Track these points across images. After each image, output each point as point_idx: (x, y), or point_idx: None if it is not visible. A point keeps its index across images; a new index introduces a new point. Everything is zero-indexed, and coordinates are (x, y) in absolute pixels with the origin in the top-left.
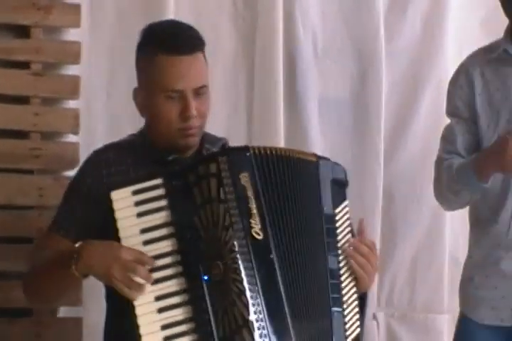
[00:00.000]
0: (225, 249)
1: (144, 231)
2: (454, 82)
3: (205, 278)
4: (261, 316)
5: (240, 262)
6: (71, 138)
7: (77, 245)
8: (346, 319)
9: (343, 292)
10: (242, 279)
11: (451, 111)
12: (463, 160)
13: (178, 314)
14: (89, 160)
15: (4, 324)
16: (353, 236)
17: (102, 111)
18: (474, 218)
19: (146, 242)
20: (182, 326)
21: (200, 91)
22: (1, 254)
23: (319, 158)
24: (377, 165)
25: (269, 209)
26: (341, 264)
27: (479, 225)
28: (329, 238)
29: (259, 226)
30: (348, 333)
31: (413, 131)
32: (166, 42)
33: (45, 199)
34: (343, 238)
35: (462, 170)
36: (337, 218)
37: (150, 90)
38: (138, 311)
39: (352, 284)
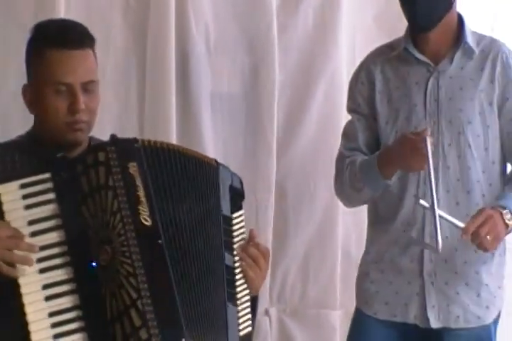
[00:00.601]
0: (113, 234)
1: (31, 223)
2: (355, 78)
3: (93, 264)
4: (148, 297)
5: (128, 245)
6: None
7: None
8: (239, 314)
9: (237, 289)
10: (130, 262)
11: (352, 108)
12: (365, 158)
13: (65, 302)
14: None
15: None
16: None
17: None
18: (373, 215)
19: (34, 234)
20: (70, 313)
21: (88, 87)
22: None
23: (219, 164)
24: (269, 160)
25: (158, 198)
26: (236, 264)
27: (378, 222)
28: (226, 237)
29: (148, 213)
30: (240, 327)
31: (306, 126)
32: (56, 37)
33: None
34: (239, 241)
35: (365, 167)
36: (234, 222)
37: (39, 85)
38: (25, 300)
39: (245, 284)
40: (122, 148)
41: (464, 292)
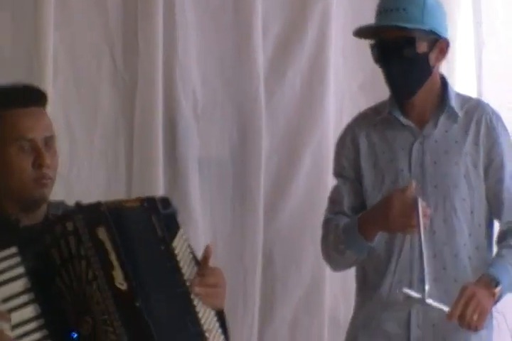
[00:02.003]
0: (91, 303)
1: (4, 301)
2: (340, 142)
3: (74, 335)
4: None
5: (108, 313)
6: None
7: None
8: None
9: (202, 321)
10: (112, 330)
11: (337, 172)
12: (348, 220)
13: None
14: None
15: None
16: (196, 262)
17: None
18: (361, 280)
19: (8, 311)
20: None
21: (49, 142)
22: None
23: (143, 201)
24: (257, 227)
25: (128, 260)
26: (192, 295)
27: (366, 286)
28: (176, 275)
29: (122, 276)
30: None
31: (293, 192)
32: (12, 98)
33: None
34: (188, 267)
35: (347, 229)
36: (177, 250)
37: (0, 146)
38: None
39: (208, 311)
40: (88, 214)
41: None
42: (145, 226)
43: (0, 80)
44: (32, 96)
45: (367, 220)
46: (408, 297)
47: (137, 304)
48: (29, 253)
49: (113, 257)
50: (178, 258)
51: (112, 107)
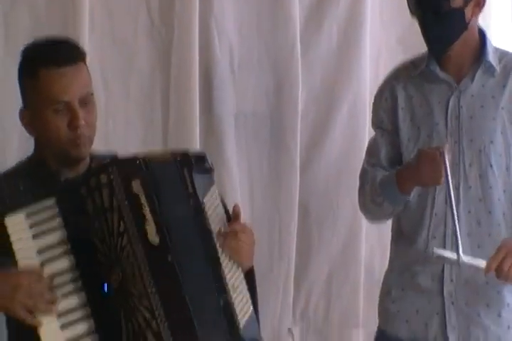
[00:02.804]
0: (121, 256)
1: (40, 251)
2: (379, 94)
3: (106, 287)
4: (162, 316)
5: (137, 266)
6: None
7: None
8: (236, 302)
9: (228, 276)
10: (141, 282)
11: (375, 124)
12: (386, 173)
13: (81, 328)
14: None
15: None
16: (228, 218)
17: None
18: (397, 232)
19: (43, 262)
20: (86, 339)
21: (86, 100)
22: None
23: (175, 155)
24: (293, 178)
25: (162, 214)
26: (219, 251)
27: (401, 239)
28: (203, 231)
29: (154, 230)
30: (240, 316)
31: (329, 145)
32: (45, 57)
33: None
34: (217, 223)
35: (385, 183)
36: (207, 206)
37: (36, 107)
38: (41, 332)
39: (235, 268)
40: (123, 167)
41: (484, 313)
42: (175, 181)
43: (39, 33)
44: (66, 56)
45: (403, 174)
46: (442, 257)
47: (169, 259)
48: (66, 205)
49: (147, 211)
50: (208, 214)
51: (149, 61)
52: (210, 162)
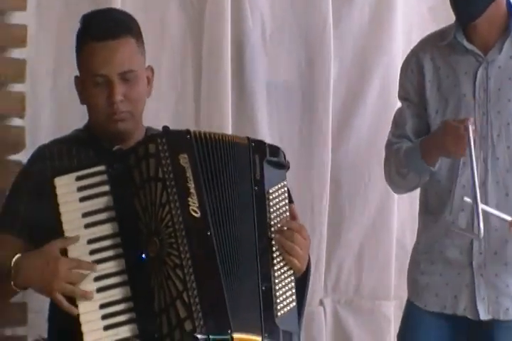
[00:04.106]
0: (161, 225)
1: (85, 215)
2: (405, 66)
3: (143, 255)
4: (194, 289)
5: (175, 237)
6: (16, 121)
7: (13, 260)
8: (278, 293)
9: (276, 267)
10: (177, 253)
11: (402, 95)
12: (411, 144)
13: (116, 294)
14: (34, 156)
15: None
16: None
17: (48, 95)
18: (424, 205)
19: (87, 225)
20: (120, 305)
21: (127, 76)
22: None
23: (252, 141)
24: (325, 151)
25: (207, 189)
26: (273, 241)
27: (428, 212)
28: (259, 216)
29: (197, 204)
30: (279, 307)
31: (361, 117)
32: (91, 29)
33: None
34: (277, 217)
35: (410, 153)
36: (271, 197)
37: (82, 77)
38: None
39: (287, 267)
40: (173, 139)
41: None
42: (245, 165)
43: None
44: (109, 30)
45: (428, 144)
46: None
47: (208, 233)
48: (115, 173)
49: (191, 185)
50: (270, 205)
51: (181, 31)
52: (286, 159)
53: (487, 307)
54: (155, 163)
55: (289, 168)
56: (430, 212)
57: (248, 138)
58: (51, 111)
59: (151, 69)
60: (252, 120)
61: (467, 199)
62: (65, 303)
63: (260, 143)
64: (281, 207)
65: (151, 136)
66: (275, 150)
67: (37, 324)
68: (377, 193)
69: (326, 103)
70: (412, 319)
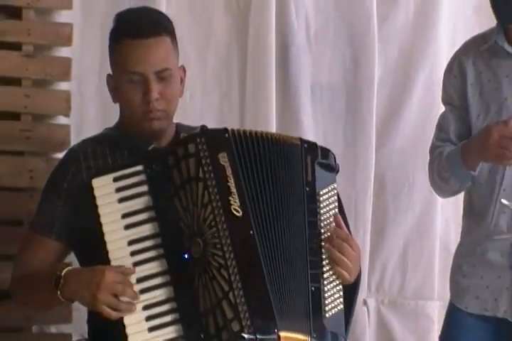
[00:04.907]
0: (204, 225)
1: (125, 216)
2: (448, 70)
3: (186, 256)
4: (239, 289)
5: (219, 237)
6: (62, 120)
7: (64, 271)
8: (326, 294)
9: (325, 269)
10: (221, 254)
11: (445, 100)
12: (453, 148)
13: (159, 294)
14: (66, 156)
15: None
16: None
17: (94, 93)
18: (467, 208)
19: (127, 226)
20: (164, 306)
21: (163, 75)
22: None
23: (304, 141)
24: (369, 151)
25: (249, 188)
26: (322, 243)
27: (471, 214)
28: (311, 217)
29: (238, 203)
30: (327, 308)
31: (406, 118)
32: (127, 27)
33: (35, 181)
34: (327, 219)
35: (451, 157)
36: (322, 199)
37: (116, 75)
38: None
39: (334, 278)
40: (212, 138)
41: None
42: (295, 164)
43: (113, 6)
44: (146, 28)
45: (468, 149)
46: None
47: (251, 232)
48: (153, 173)
49: (232, 183)
50: (321, 206)
51: (226, 31)
52: (337, 162)
53: None
54: (195, 163)
55: (338, 171)
56: (473, 214)
57: (301, 138)
58: (96, 110)
59: (183, 69)
60: (297, 120)
61: (504, 202)
62: (113, 314)
63: (312, 145)
64: (331, 210)
65: (189, 135)
66: (326, 152)
67: (81, 322)
68: (421, 194)
69: (370, 103)
70: (453, 320)
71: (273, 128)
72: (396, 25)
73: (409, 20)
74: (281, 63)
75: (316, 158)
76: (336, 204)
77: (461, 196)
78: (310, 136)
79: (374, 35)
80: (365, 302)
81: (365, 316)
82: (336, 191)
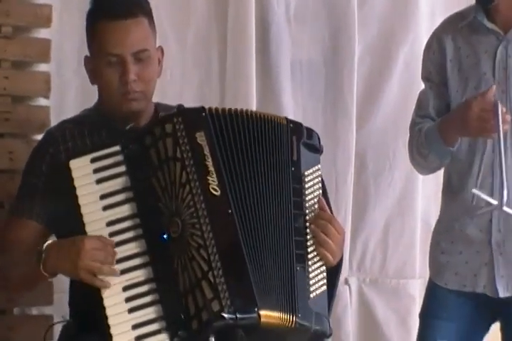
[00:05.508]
0: (182, 205)
1: (103, 197)
2: (427, 47)
3: (164, 236)
4: (219, 269)
5: (197, 217)
6: (42, 101)
7: (44, 245)
8: (311, 275)
9: (309, 249)
10: (200, 234)
11: (424, 76)
12: (431, 124)
13: (139, 275)
14: (45, 138)
15: None
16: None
17: (73, 75)
18: (445, 184)
19: (105, 207)
20: (143, 287)
21: (140, 56)
22: None
23: (290, 121)
24: (349, 130)
25: (227, 167)
26: (307, 224)
27: (449, 191)
28: (296, 197)
29: (217, 182)
30: (312, 289)
31: (386, 96)
32: (104, 9)
33: (15, 163)
34: (311, 199)
35: (429, 133)
36: (306, 179)
37: (94, 57)
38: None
39: (318, 260)
40: (189, 118)
41: None
42: (280, 143)
43: None
44: (122, 9)
45: (447, 124)
46: (485, 201)
47: (229, 211)
48: (130, 153)
49: (210, 162)
50: (306, 186)
51: (205, 11)
52: (321, 143)
53: (506, 286)
54: (172, 143)
55: (322, 152)
56: (451, 191)
57: (286, 118)
58: (76, 91)
59: (161, 50)
60: (277, 97)
61: (475, 191)
62: (95, 279)
63: (298, 125)
64: (315, 191)
65: (167, 115)
66: (311, 133)
67: (63, 304)
68: (402, 172)
69: (350, 80)
70: (433, 297)
71: (253, 107)
72: (376, 3)
73: None
74: (261, 41)
75: (302, 138)
76: (320, 185)
77: (441, 174)
78: (290, 114)
79: (354, 12)
80: (346, 281)
81: (346, 295)
82: (319, 172)
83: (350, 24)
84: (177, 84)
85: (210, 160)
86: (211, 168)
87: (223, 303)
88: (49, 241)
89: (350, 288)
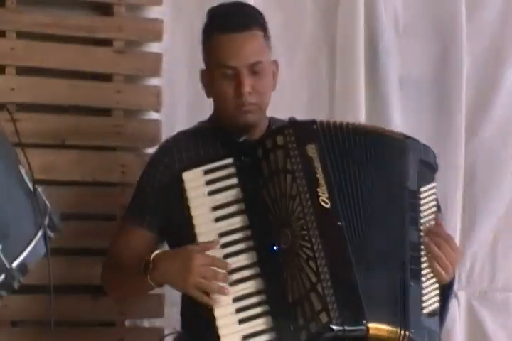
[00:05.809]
0: (292, 217)
1: (214, 208)
2: None
3: (275, 248)
4: (327, 280)
5: (307, 229)
6: (153, 115)
7: (152, 255)
8: (424, 291)
9: (423, 266)
10: (309, 245)
11: None
12: None
13: (249, 286)
14: (160, 149)
15: (87, 300)
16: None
17: (184, 88)
18: None
19: (218, 219)
20: (254, 298)
21: (255, 68)
22: (85, 231)
23: (407, 137)
24: (458, 143)
25: (338, 179)
26: (421, 239)
27: None
28: (412, 212)
29: (327, 195)
30: (424, 305)
31: (495, 110)
32: (219, 21)
33: (127, 176)
34: (427, 216)
35: None
36: (422, 196)
37: (210, 70)
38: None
39: (431, 277)
40: (300, 130)
41: None
42: (397, 159)
43: (203, 2)
44: (238, 22)
45: None
46: None
47: (339, 223)
48: (243, 165)
49: (320, 175)
50: (421, 203)
51: (314, 28)
52: (437, 161)
53: None
54: (283, 155)
55: (437, 170)
56: None
57: (404, 134)
58: (187, 105)
59: (276, 63)
60: (385, 113)
61: None
62: (203, 296)
63: (416, 141)
64: (430, 208)
65: (278, 128)
66: (428, 150)
67: (173, 316)
68: (510, 185)
69: (459, 95)
70: None
71: (362, 120)
72: (485, 17)
73: (498, 12)
74: (370, 56)
75: (419, 155)
76: (435, 203)
77: None
78: (398, 128)
79: (462, 27)
80: (455, 295)
81: (455, 309)
82: (435, 190)
83: (458, 38)
84: (287, 100)
85: (320, 172)
86: (321, 181)
87: (331, 315)
88: (157, 251)
89: (458, 301)
